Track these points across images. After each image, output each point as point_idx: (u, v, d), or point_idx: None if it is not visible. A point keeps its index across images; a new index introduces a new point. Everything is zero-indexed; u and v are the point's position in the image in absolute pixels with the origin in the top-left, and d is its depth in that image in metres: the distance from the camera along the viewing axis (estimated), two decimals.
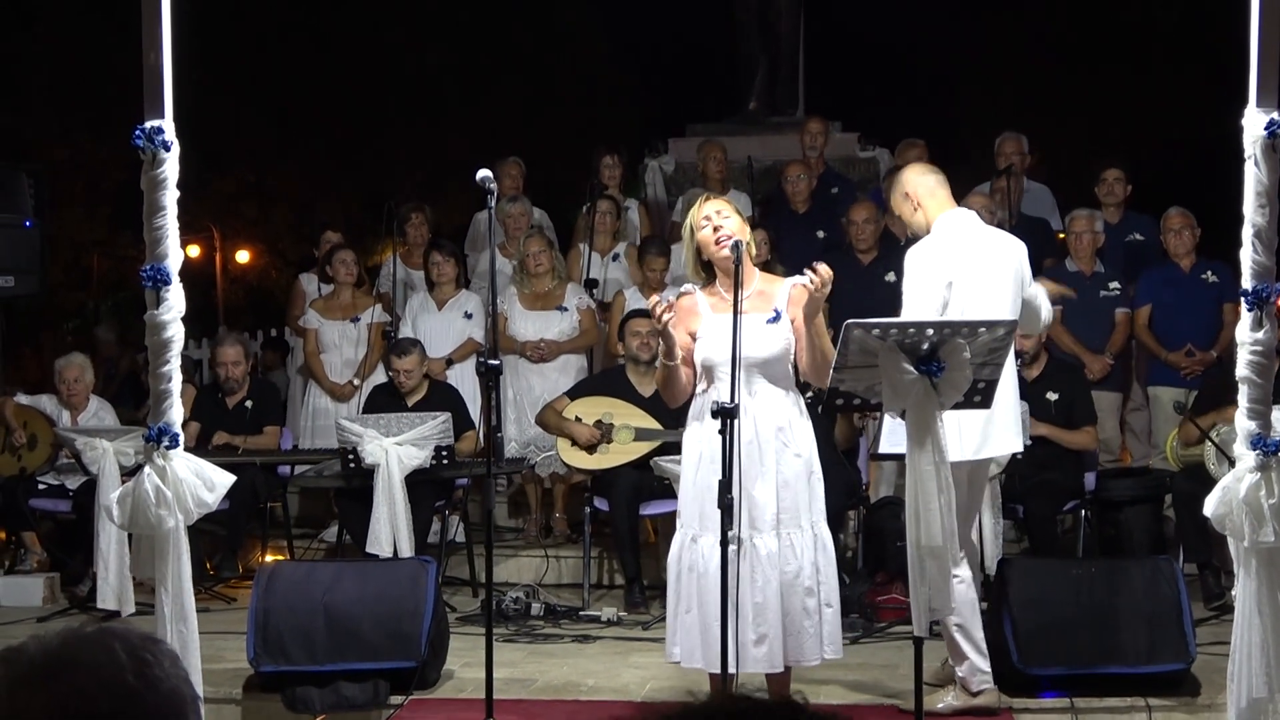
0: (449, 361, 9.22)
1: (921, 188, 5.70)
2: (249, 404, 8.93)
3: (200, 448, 8.27)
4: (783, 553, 5.24)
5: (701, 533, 5.25)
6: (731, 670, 4.99)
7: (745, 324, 5.13)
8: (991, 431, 5.53)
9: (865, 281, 8.91)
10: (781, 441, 5.27)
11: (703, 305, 5.40)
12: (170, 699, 1.80)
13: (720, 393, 5.13)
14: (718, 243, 5.25)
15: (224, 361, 8.94)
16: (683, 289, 5.60)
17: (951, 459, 5.37)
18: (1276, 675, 4.72)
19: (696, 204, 5.46)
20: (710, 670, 5.25)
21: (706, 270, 5.42)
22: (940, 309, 5.40)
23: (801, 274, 5.43)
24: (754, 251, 5.46)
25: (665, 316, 5.12)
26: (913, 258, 5.57)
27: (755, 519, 5.19)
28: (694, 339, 5.36)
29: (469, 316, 9.27)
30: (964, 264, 5.52)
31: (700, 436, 5.32)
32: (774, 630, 5.19)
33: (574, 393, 8.22)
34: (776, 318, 5.30)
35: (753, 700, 1.77)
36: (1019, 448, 5.78)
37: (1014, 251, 5.75)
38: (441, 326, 9.30)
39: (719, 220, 5.29)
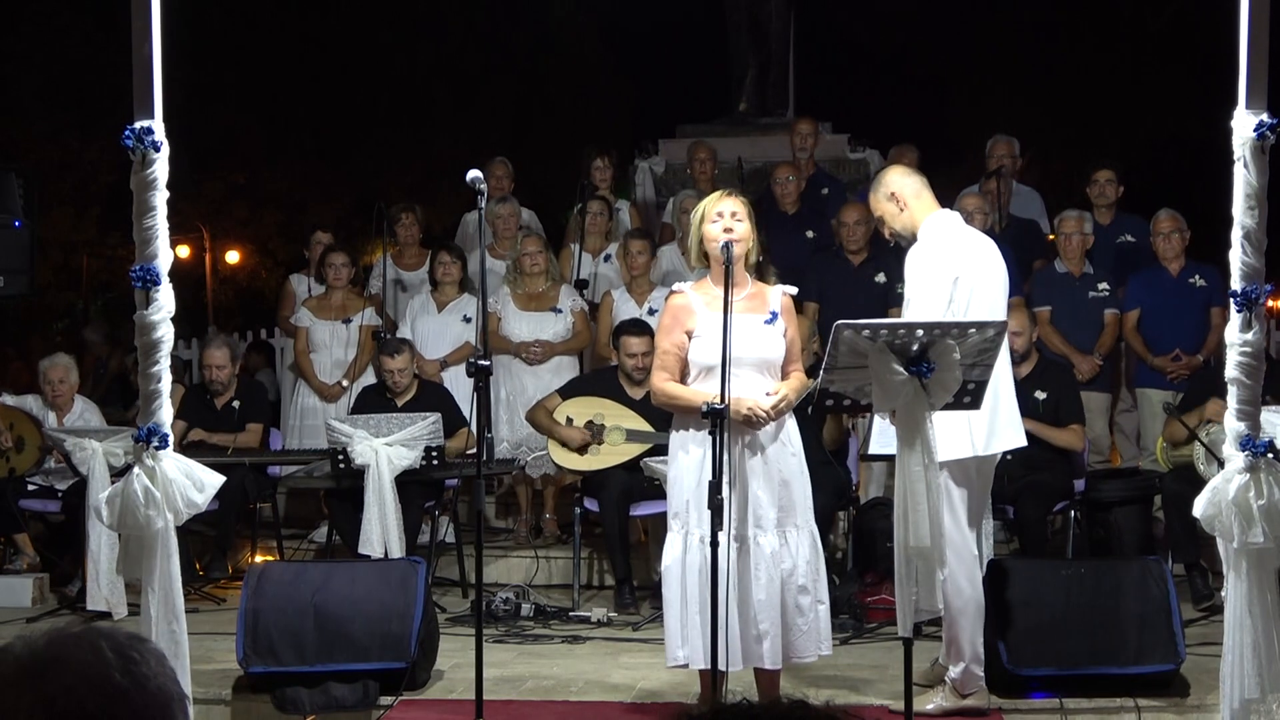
0: (443, 363, 9.21)
1: (907, 189, 5.70)
2: (236, 404, 8.93)
3: (187, 447, 8.26)
4: (780, 552, 5.28)
5: (708, 533, 5.28)
6: (733, 667, 5.03)
7: (744, 324, 5.21)
8: (998, 426, 5.55)
9: (855, 283, 8.93)
10: (780, 441, 5.31)
11: (697, 304, 5.43)
12: (157, 697, 1.80)
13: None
14: (720, 242, 5.28)
15: (209, 364, 8.94)
16: (674, 288, 5.64)
17: (961, 455, 5.41)
18: (1268, 676, 4.73)
19: (715, 195, 5.51)
20: (723, 669, 5.28)
21: (706, 260, 5.47)
22: (946, 307, 5.40)
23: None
24: (752, 259, 5.47)
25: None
26: (915, 259, 5.55)
27: (759, 517, 5.26)
28: (690, 337, 5.39)
29: (468, 320, 9.26)
30: (965, 262, 5.53)
31: (700, 436, 5.31)
32: (775, 627, 5.23)
33: (565, 392, 8.21)
34: (773, 319, 5.36)
35: (797, 703, 1.80)
36: (1023, 441, 5.78)
37: (999, 256, 5.77)
38: (439, 328, 9.30)
39: (731, 222, 5.33)
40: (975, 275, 5.53)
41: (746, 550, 5.25)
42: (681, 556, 5.36)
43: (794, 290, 5.55)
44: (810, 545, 5.37)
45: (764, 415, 5.21)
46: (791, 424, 5.40)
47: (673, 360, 5.45)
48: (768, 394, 5.26)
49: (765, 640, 5.23)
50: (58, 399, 8.87)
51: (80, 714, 1.75)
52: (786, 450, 5.35)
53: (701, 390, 5.29)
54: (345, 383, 9.30)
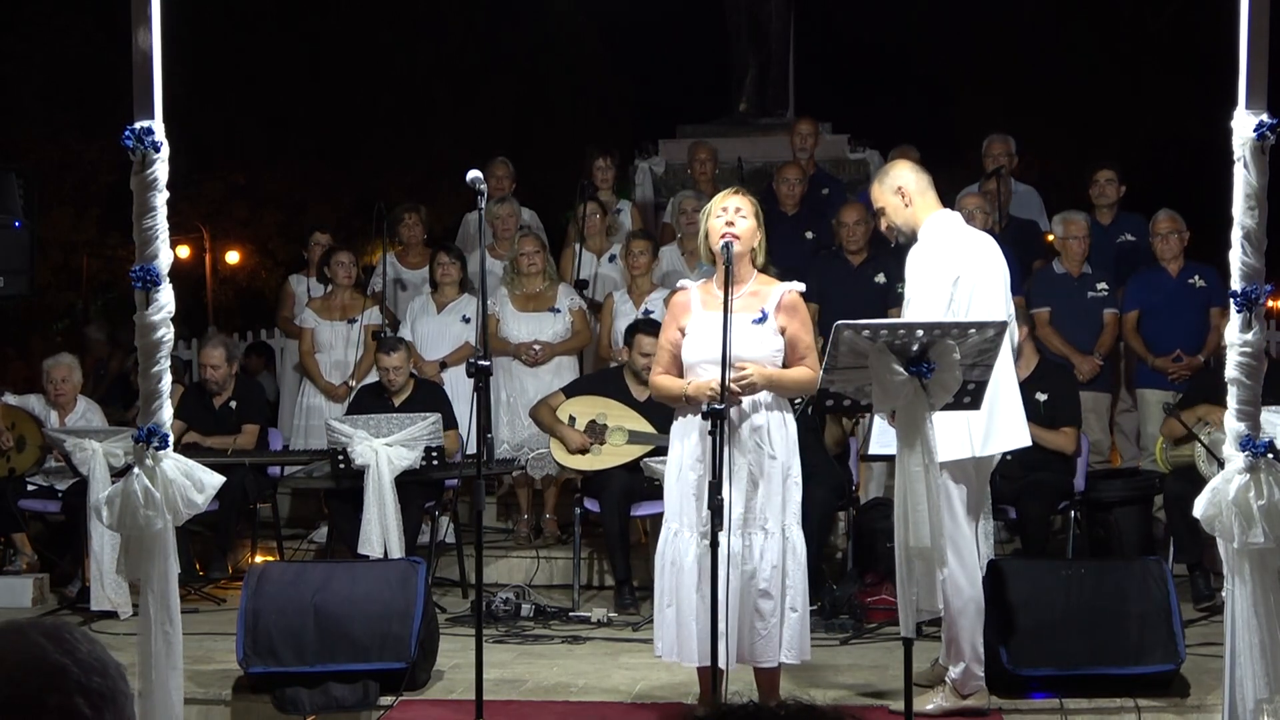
0: (443, 364, 9.21)
1: (914, 185, 5.71)
2: (234, 404, 8.94)
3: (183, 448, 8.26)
4: (742, 553, 5.26)
5: (681, 528, 5.31)
6: (696, 662, 5.03)
7: (731, 323, 5.16)
8: (996, 427, 5.54)
9: (855, 283, 8.93)
10: (755, 442, 5.29)
11: (694, 302, 5.44)
12: (94, 665, 1.87)
13: None
14: (722, 236, 5.28)
15: (205, 363, 8.95)
16: (679, 285, 5.65)
17: (959, 456, 5.41)
18: (1275, 676, 4.72)
19: (724, 192, 5.52)
20: (686, 664, 5.32)
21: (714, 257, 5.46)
22: (947, 307, 5.40)
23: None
24: (759, 259, 5.46)
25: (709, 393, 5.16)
26: (916, 259, 5.56)
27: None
28: (683, 334, 5.40)
29: (466, 320, 9.26)
30: (966, 262, 5.54)
31: (684, 433, 5.37)
32: (733, 627, 5.21)
33: (570, 390, 8.22)
34: (763, 319, 5.33)
35: (801, 705, 1.81)
36: (1027, 441, 5.77)
37: (1000, 255, 5.77)
38: (439, 329, 9.30)
39: (734, 216, 5.33)
40: (976, 275, 5.54)
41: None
42: (662, 549, 5.42)
43: (800, 286, 5.49)
44: (780, 550, 5.30)
45: (713, 392, 5.09)
46: (775, 426, 5.35)
47: (667, 356, 5.49)
48: (735, 368, 5.15)
49: (723, 640, 5.21)
50: (60, 398, 8.87)
51: (24, 697, 1.80)
52: (763, 452, 5.30)
53: (682, 382, 5.37)
54: (352, 383, 9.31)
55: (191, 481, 5.04)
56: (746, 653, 5.31)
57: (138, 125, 4.94)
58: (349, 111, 22.64)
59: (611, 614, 7.58)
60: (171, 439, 5.09)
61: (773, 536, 5.30)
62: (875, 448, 6.76)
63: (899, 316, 6.05)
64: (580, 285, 9.56)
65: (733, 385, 5.13)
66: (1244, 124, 4.69)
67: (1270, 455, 4.71)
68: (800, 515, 5.42)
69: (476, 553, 5.54)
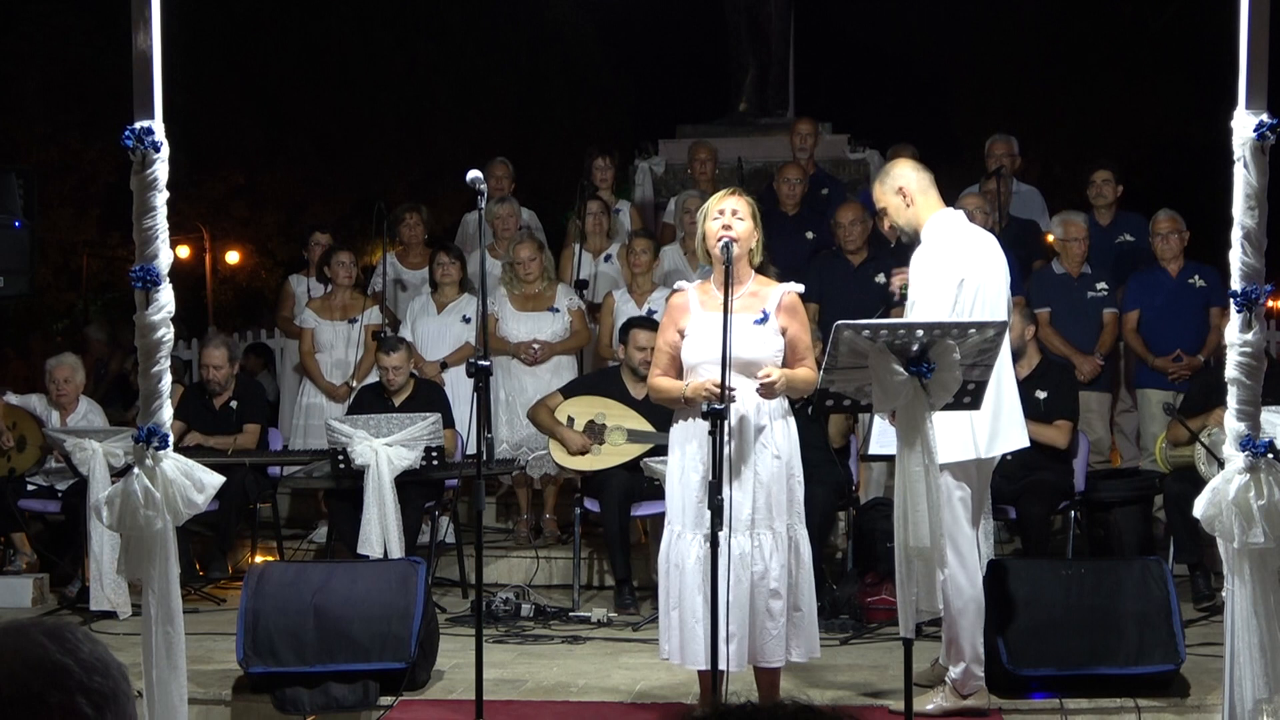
0: (444, 365, 9.21)
1: (915, 184, 5.70)
2: (234, 404, 8.94)
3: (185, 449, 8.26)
4: (751, 553, 5.27)
5: (684, 530, 5.31)
6: (701, 666, 5.03)
7: (733, 323, 5.16)
8: (1000, 427, 5.55)
9: (855, 283, 8.92)
10: (760, 443, 5.29)
11: (693, 303, 5.44)
12: (95, 665, 1.87)
13: None
14: (718, 239, 5.28)
15: (207, 364, 8.95)
16: (676, 286, 5.65)
17: (964, 457, 5.41)
18: (1275, 676, 4.72)
19: (720, 193, 5.52)
20: (691, 666, 5.32)
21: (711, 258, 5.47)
22: (951, 309, 5.40)
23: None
24: (756, 259, 5.46)
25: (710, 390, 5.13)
26: (921, 260, 5.55)
27: (730, 519, 5.22)
28: (683, 336, 5.41)
29: (467, 320, 9.26)
30: (970, 264, 5.53)
31: (685, 434, 5.37)
32: (741, 629, 5.22)
33: (568, 391, 8.21)
34: (764, 319, 5.33)
35: (801, 705, 1.82)
36: (1025, 442, 5.77)
37: (1001, 254, 5.77)
38: (439, 329, 9.30)
39: (730, 219, 5.33)
40: (980, 276, 5.54)
41: (720, 552, 5.23)
42: (666, 551, 5.42)
43: (799, 288, 5.50)
44: (789, 550, 5.32)
45: (710, 393, 5.10)
46: (780, 426, 5.35)
47: (666, 358, 5.49)
48: (760, 374, 5.20)
49: (733, 642, 5.19)
50: (62, 398, 8.87)
51: (27, 695, 1.81)
52: (767, 452, 5.31)
53: (681, 383, 5.35)
54: (353, 383, 9.30)
55: (191, 481, 5.03)
56: (757, 652, 5.32)
57: (138, 125, 4.94)
58: (349, 111, 22.63)
59: (611, 614, 7.58)
60: (171, 439, 5.09)
61: (780, 536, 5.31)
62: (875, 448, 6.76)
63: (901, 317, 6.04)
64: (580, 285, 9.56)
65: (760, 389, 5.18)
66: (1244, 124, 4.68)
67: (1270, 455, 4.71)
68: (804, 514, 5.43)
69: (476, 553, 5.54)
